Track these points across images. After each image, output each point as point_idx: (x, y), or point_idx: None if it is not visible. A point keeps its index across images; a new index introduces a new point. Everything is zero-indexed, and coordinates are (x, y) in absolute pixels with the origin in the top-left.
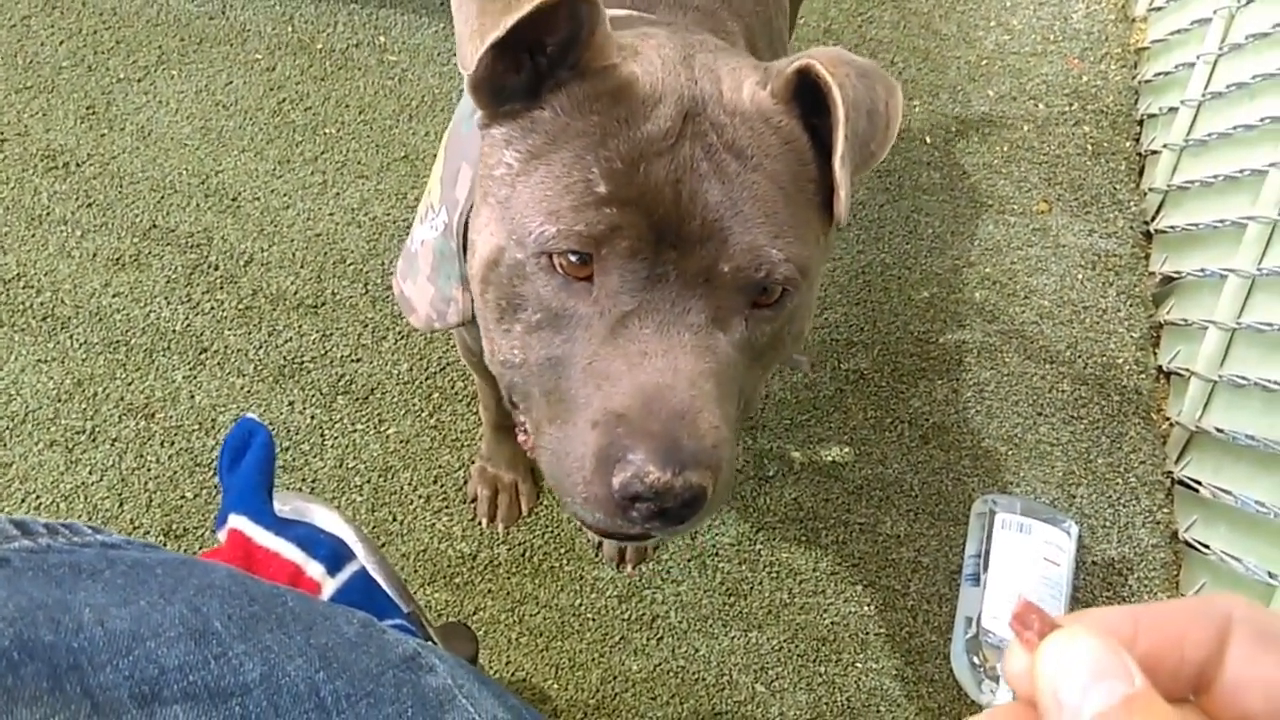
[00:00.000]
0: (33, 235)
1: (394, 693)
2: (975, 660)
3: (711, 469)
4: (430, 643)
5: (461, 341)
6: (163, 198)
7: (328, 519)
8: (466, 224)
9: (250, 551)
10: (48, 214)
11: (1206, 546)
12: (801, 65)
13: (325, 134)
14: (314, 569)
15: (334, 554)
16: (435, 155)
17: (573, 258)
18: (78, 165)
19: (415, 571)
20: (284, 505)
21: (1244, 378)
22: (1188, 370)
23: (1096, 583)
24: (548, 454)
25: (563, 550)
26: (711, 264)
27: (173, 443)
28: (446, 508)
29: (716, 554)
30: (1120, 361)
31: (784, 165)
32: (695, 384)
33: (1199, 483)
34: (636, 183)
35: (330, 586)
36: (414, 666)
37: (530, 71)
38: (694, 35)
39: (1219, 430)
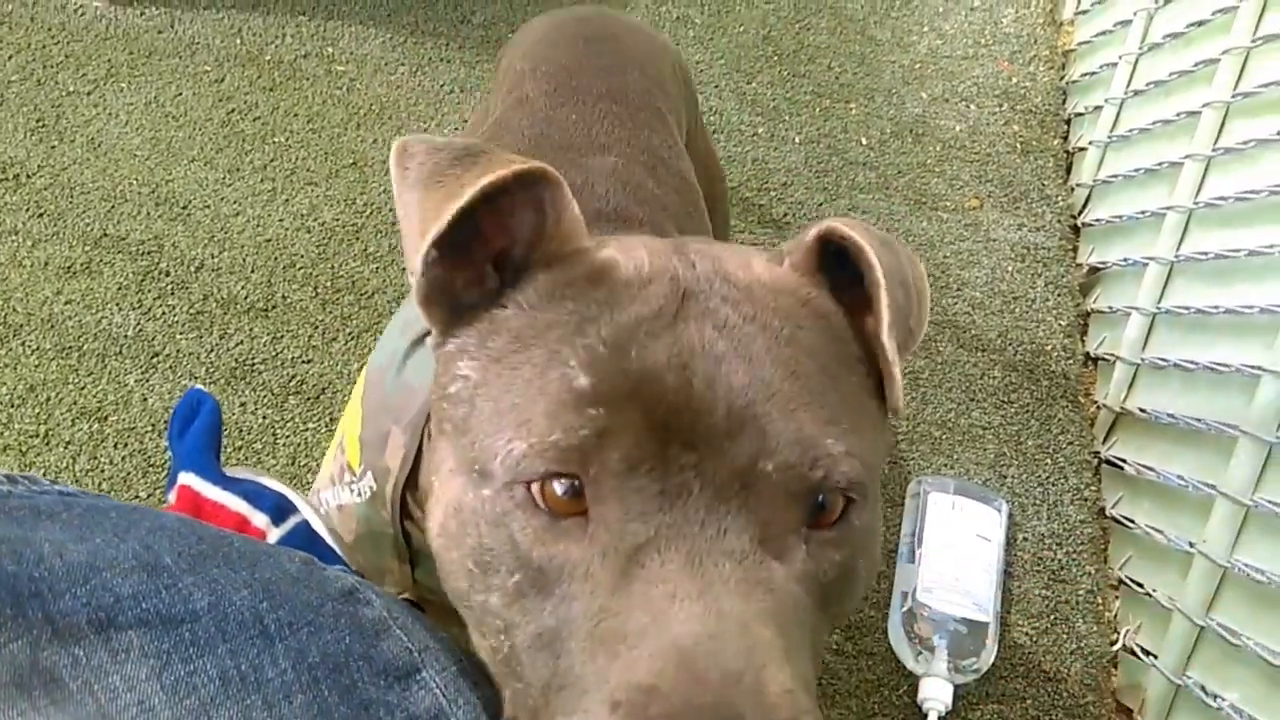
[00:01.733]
0: None
1: (333, 622)
2: (911, 633)
3: None
4: None
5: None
6: (113, 207)
7: (274, 484)
8: (404, 499)
9: (199, 505)
10: None
11: (1132, 521)
12: (824, 230)
13: (274, 143)
14: (259, 519)
15: (277, 507)
16: (383, 162)
17: (556, 486)
18: (28, 177)
19: None
20: (232, 474)
21: (1164, 359)
22: (1113, 355)
23: (1027, 558)
24: None
25: None
26: (749, 464)
27: (126, 444)
28: None
29: None
30: (1049, 349)
31: (822, 340)
32: (750, 631)
33: (1124, 461)
34: (629, 371)
35: (274, 535)
36: (352, 600)
37: (493, 282)
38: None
39: (1142, 410)
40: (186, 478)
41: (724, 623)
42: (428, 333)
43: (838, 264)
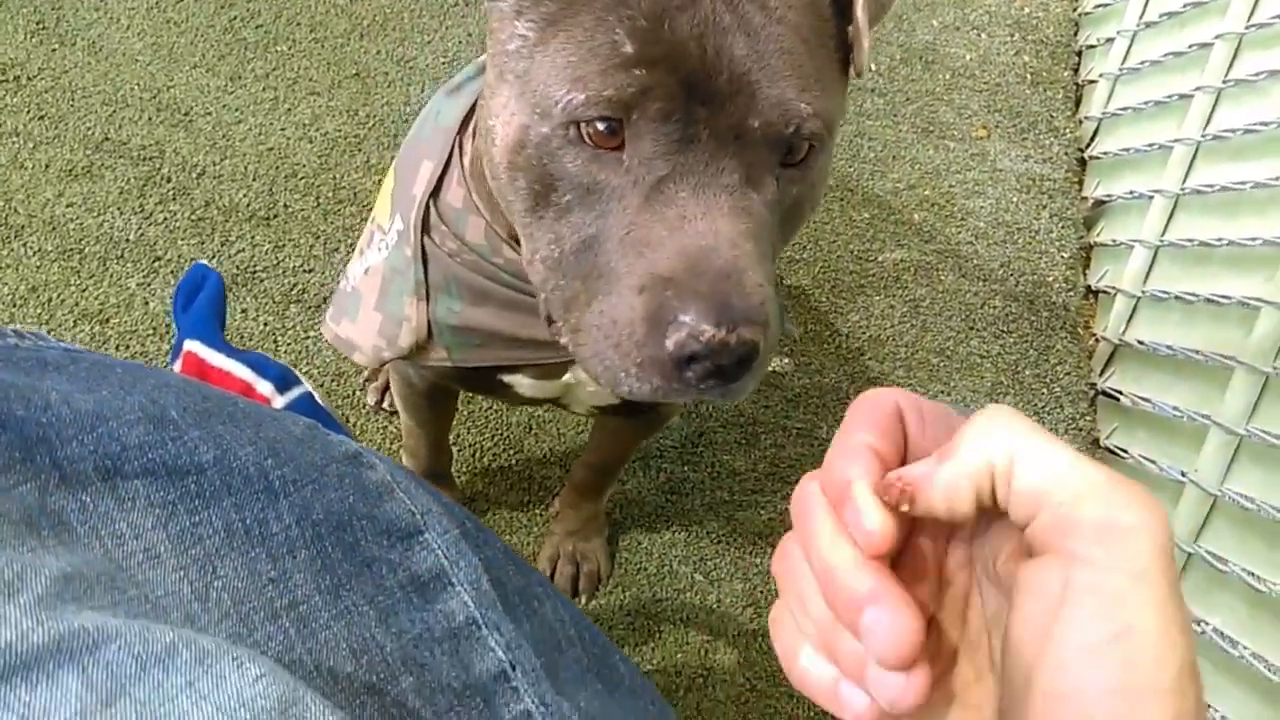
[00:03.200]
0: None
1: (337, 481)
2: None
3: (761, 325)
4: None
5: (401, 377)
6: (115, 111)
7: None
8: (427, 210)
9: (204, 371)
10: None
11: (1125, 451)
12: None
13: (277, 51)
14: (264, 386)
15: (282, 376)
16: (386, 74)
17: (601, 126)
18: (29, 79)
19: None
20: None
21: (1165, 292)
22: (1114, 288)
23: None
24: (592, 332)
25: (511, 451)
26: (741, 120)
27: (127, 347)
28: (394, 412)
29: (661, 456)
30: (1050, 280)
31: (805, 17)
32: (737, 244)
33: (1120, 393)
34: (663, 40)
35: (279, 402)
36: (356, 462)
37: None
38: None
39: (1140, 342)
40: (192, 345)
41: (719, 238)
42: (459, 85)
43: None
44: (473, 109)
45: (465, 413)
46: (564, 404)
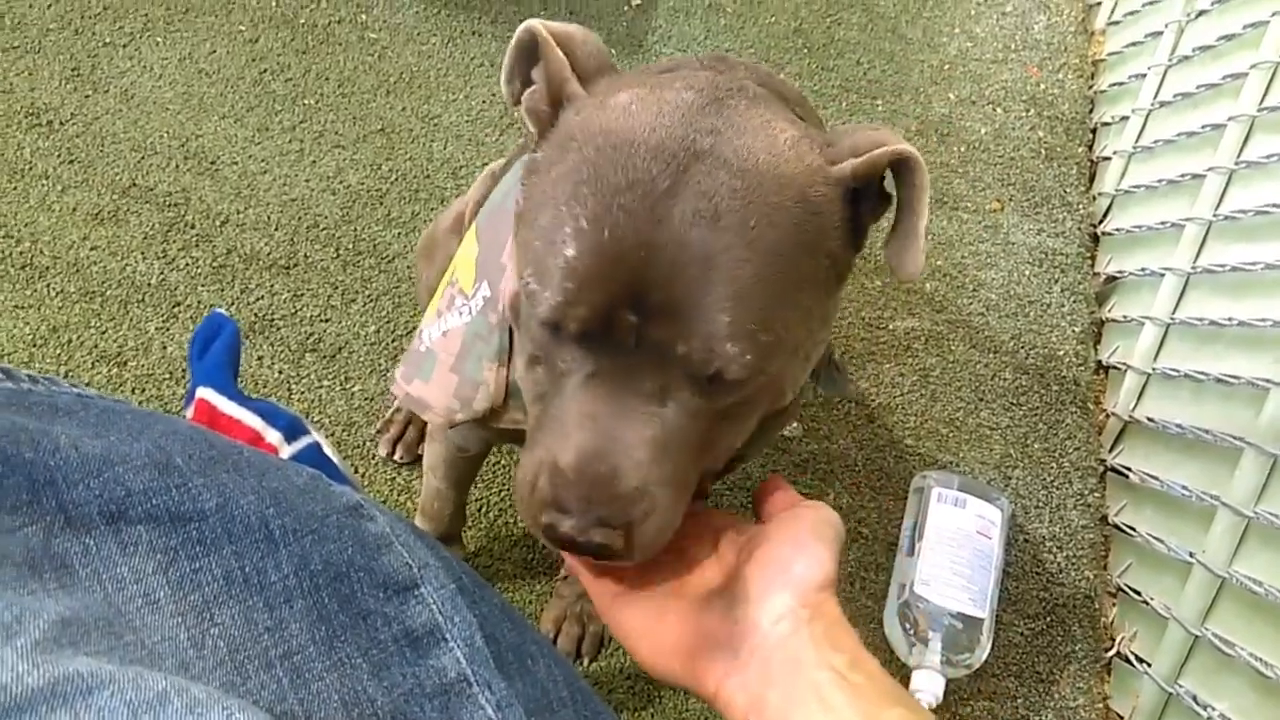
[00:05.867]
0: (14, 188)
1: (336, 533)
2: (906, 625)
3: (623, 529)
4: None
5: (451, 443)
6: (143, 158)
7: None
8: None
9: (215, 418)
10: (30, 168)
11: (1133, 529)
12: (894, 154)
13: (304, 105)
14: (272, 435)
15: (291, 426)
16: (411, 130)
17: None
18: (61, 124)
19: None
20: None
21: (1175, 370)
22: (1124, 364)
23: (1027, 559)
24: (519, 468)
25: (509, 507)
26: (668, 341)
27: (143, 390)
28: (409, 464)
29: None
30: (1061, 354)
31: (797, 236)
32: (629, 452)
33: (1129, 469)
34: (602, 250)
35: (286, 452)
36: (356, 514)
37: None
38: (743, 82)
39: (1150, 420)
40: (204, 392)
41: (614, 444)
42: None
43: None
44: None
45: None
46: None
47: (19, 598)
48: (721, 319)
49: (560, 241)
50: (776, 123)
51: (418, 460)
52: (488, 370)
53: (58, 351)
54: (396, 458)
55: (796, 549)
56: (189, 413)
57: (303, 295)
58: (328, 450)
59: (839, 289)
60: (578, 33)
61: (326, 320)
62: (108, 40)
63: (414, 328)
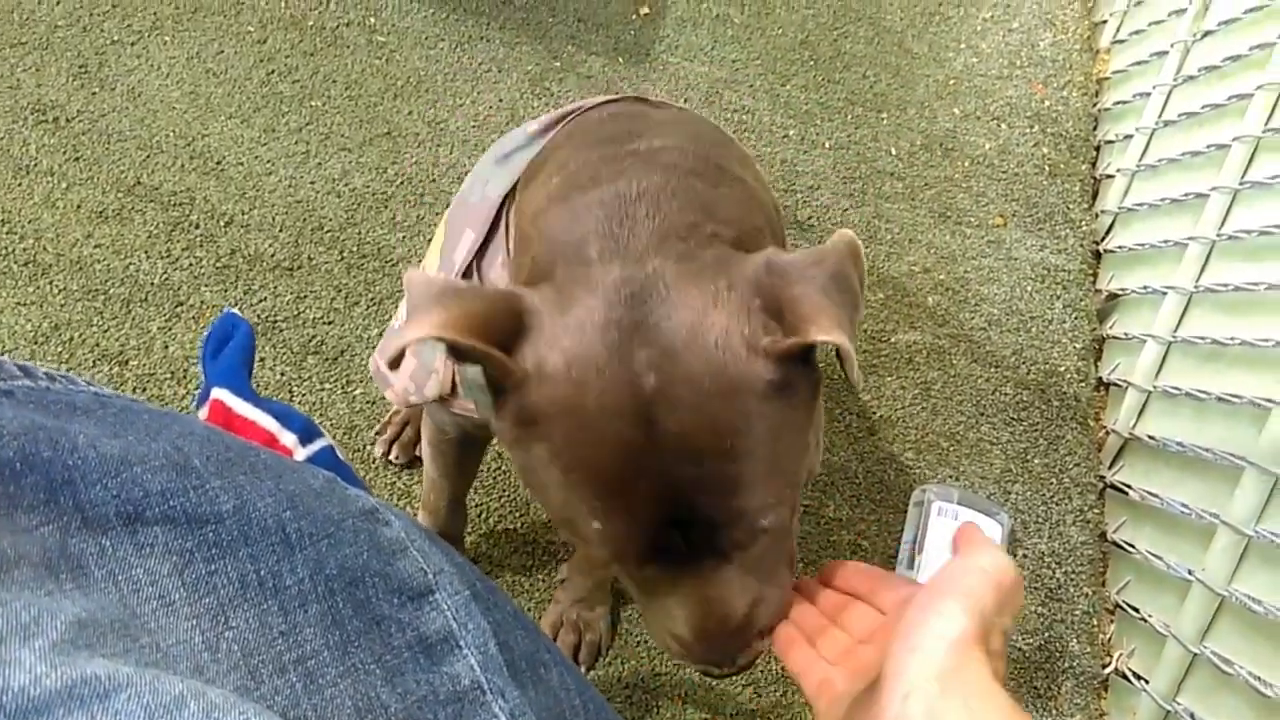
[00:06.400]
0: (19, 184)
1: (352, 537)
2: None
3: (754, 640)
4: None
5: (435, 424)
6: (148, 156)
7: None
8: (467, 275)
9: (230, 419)
10: (35, 165)
11: (1132, 546)
12: (812, 340)
13: (311, 106)
14: (287, 438)
15: (306, 428)
16: (417, 134)
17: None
18: (67, 120)
19: None
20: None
21: (1176, 388)
22: (1125, 381)
23: (1027, 574)
24: (654, 630)
25: (518, 514)
26: (709, 530)
27: (145, 389)
28: (408, 466)
29: None
30: (1062, 370)
31: (776, 418)
32: (723, 601)
33: (1129, 486)
34: (623, 509)
35: (301, 454)
36: (372, 519)
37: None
38: (667, 259)
39: (1151, 438)
40: (219, 393)
41: (707, 604)
42: (508, 154)
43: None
44: (517, 182)
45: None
46: None
47: (36, 598)
48: (743, 500)
49: (583, 520)
50: (700, 322)
51: (415, 461)
52: (439, 360)
53: (59, 349)
54: (392, 458)
55: (925, 607)
56: (203, 413)
57: (306, 297)
58: (340, 455)
59: (817, 398)
60: (488, 308)
61: (330, 323)
62: (116, 38)
63: None
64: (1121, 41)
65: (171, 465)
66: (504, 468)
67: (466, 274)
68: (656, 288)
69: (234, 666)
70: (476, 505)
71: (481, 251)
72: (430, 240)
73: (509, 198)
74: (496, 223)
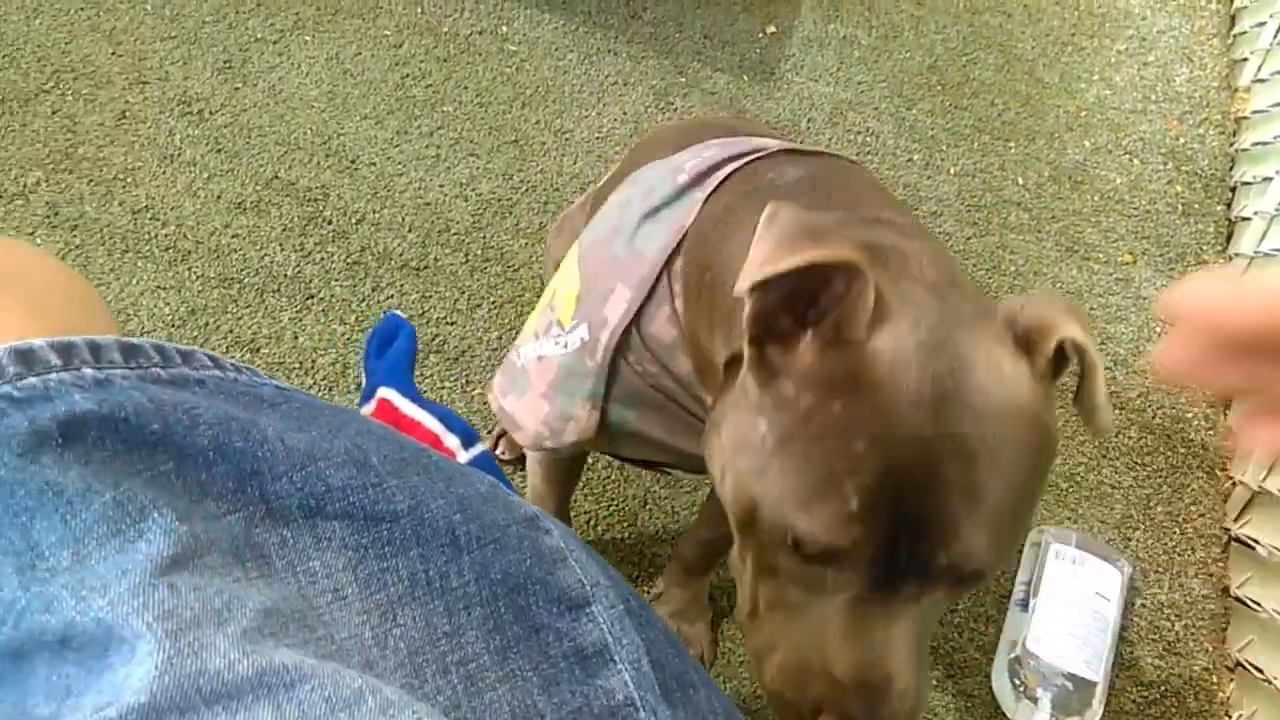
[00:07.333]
0: (164, 172)
1: (517, 543)
2: (1016, 681)
3: None
4: None
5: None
6: (286, 152)
7: None
8: (617, 346)
9: (397, 419)
10: (179, 154)
11: (1258, 604)
12: (1064, 341)
13: (443, 111)
14: (451, 440)
15: (467, 432)
16: (543, 143)
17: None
18: (211, 113)
19: None
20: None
21: None
22: None
23: (1144, 625)
24: (760, 658)
25: (625, 524)
26: (932, 555)
27: (273, 377)
28: (509, 461)
29: None
30: (1189, 416)
31: (1036, 456)
32: (897, 655)
33: (1256, 541)
34: (885, 494)
35: (463, 457)
36: (534, 526)
37: (798, 321)
38: (955, 298)
39: None
40: (386, 392)
41: (884, 650)
42: (657, 208)
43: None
44: (679, 244)
45: (583, 480)
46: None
47: (226, 585)
48: (982, 535)
49: (842, 494)
50: (993, 350)
51: (520, 460)
52: (580, 408)
53: (194, 333)
54: (499, 452)
55: None
56: (368, 410)
57: (431, 297)
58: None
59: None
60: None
61: (452, 323)
62: (259, 35)
63: None
64: (1262, 81)
65: (352, 462)
66: (613, 476)
67: (625, 333)
68: (959, 324)
69: (400, 664)
70: (586, 513)
71: (640, 312)
72: (553, 265)
73: (670, 260)
74: (657, 287)
